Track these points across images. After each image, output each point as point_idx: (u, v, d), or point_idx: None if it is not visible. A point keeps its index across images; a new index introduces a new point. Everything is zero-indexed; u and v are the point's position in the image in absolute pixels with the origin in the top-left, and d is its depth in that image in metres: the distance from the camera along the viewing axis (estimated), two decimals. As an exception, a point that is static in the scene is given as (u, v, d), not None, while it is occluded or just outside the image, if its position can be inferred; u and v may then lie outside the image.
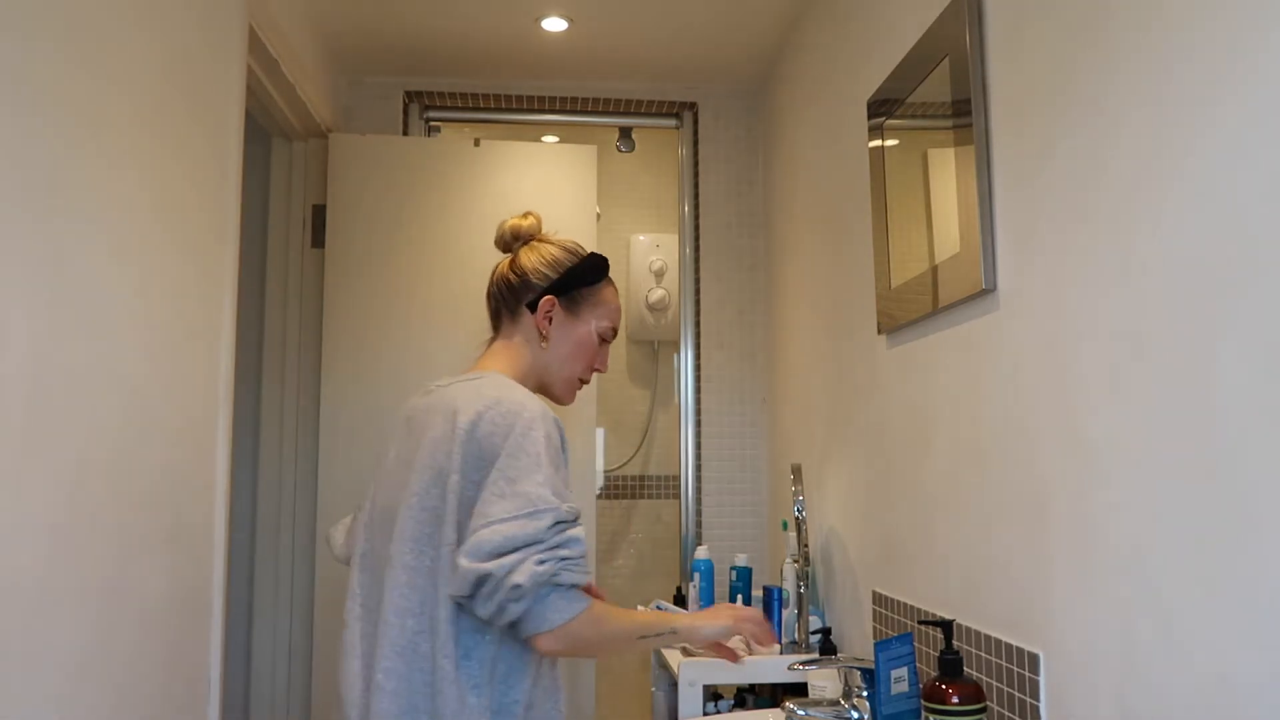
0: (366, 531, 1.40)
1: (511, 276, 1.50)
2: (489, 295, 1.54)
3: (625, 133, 3.73)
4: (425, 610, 1.27)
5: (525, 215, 1.54)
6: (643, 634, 1.32)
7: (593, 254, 1.52)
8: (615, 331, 1.51)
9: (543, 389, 1.49)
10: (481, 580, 1.19)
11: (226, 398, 1.85)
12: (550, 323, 1.46)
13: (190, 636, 1.70)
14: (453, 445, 1.28)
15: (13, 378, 1.16)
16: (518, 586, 1.18)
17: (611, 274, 1.55)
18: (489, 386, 1.33)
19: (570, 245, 1.52)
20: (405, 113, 3.09)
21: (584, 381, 1.50)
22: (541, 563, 1.20)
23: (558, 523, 1.23)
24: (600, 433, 3.88)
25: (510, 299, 1.50)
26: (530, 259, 1.49)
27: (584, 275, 1.48)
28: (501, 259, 1.55)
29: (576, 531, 1.25)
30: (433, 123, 3.17)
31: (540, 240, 1.53)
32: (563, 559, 1.22)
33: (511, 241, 1.54)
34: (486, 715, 1.24)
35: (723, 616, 1.41)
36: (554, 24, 2.71)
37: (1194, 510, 0.98)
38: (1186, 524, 0.99)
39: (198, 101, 1.75)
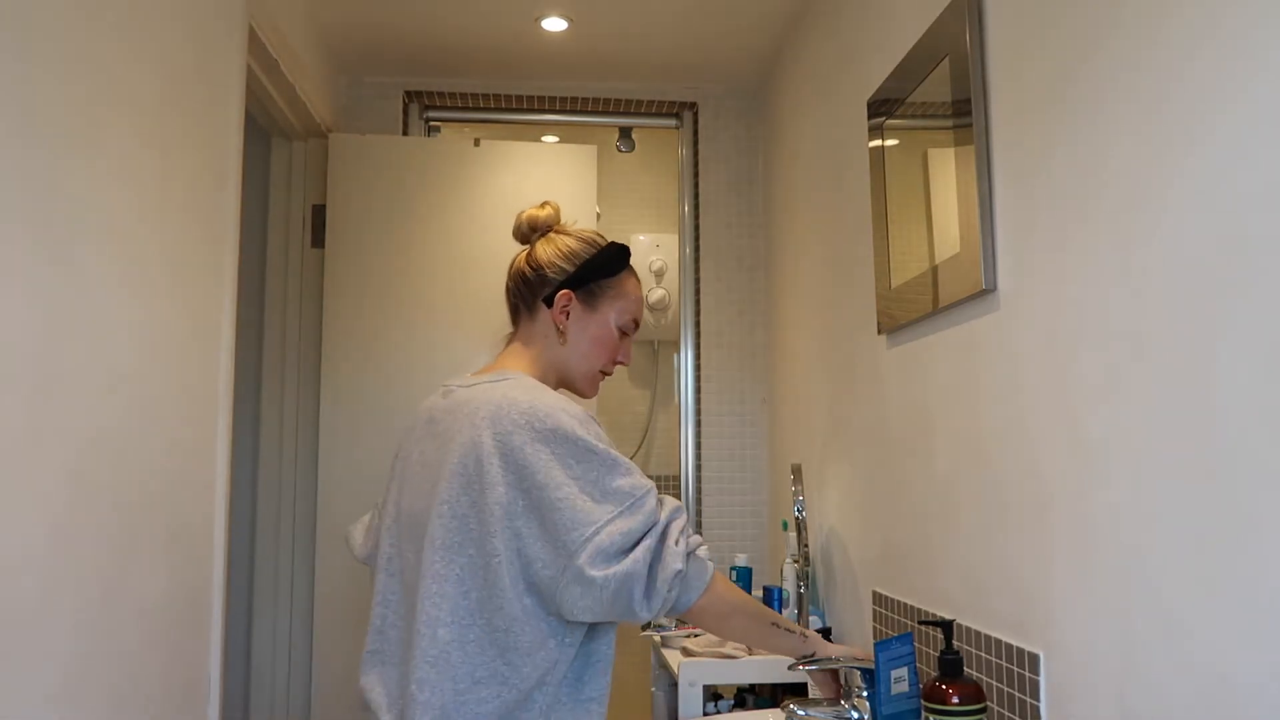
0: (390, 535, 1.36)
1: (527, 270, 1.44)
2: (507, 290, 1.48)
3: (625, 133, 3.73)
4: (456, 619, 1.23)
5: (543, 205, 1.48)
6: (771, 618, 1.35)
7: (612, 244, 1.47)
8: (637, 324, 1.48)
9: (564, 383, 1.46)
10: (627, 580, 1.19)
11: (226, 398, 1.85)
12: (568, 318, 1.41)
13: (190, 636, 1.70)
14: (483, 453, 1.24)
15: (13, 378, 1.16)
16: (679, 571, 1.22)
17: None
18: (518, 390, 1.28)
19: (588, 236, 1.46)
20: (405, 113, 3.09)
21: (606, 374, 1.47)
22: (677, 541, 1.23)
23: (660, 500, 1.26)
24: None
25: (527, 294, 1.44)
26: (546, 252, 1.43)
27: (602, 267, 1.43)
28: (519, 252, 1.48)
29: (674, 503, 1.27)
30: (433, 123, 3.17)
31: (558, 231, 1.47)
32: (682, 529, 1.25)
33: (529, 233, 1.48)
34: None
35: (857, 650, 1.46)
36: (554, 24, 2.71)
37: (1194, 510, 0.98)
38: (1186, 524, 0.99)
39: (198, 101, 1.75)
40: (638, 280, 1.49)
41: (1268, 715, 0.88)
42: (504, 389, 1.29)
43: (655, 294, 3.77)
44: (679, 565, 1.21)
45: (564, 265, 1.42)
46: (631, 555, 1.20)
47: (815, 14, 2.50)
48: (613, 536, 1.20)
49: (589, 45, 2.86)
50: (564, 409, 1.27)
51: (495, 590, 1.22)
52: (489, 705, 1.21)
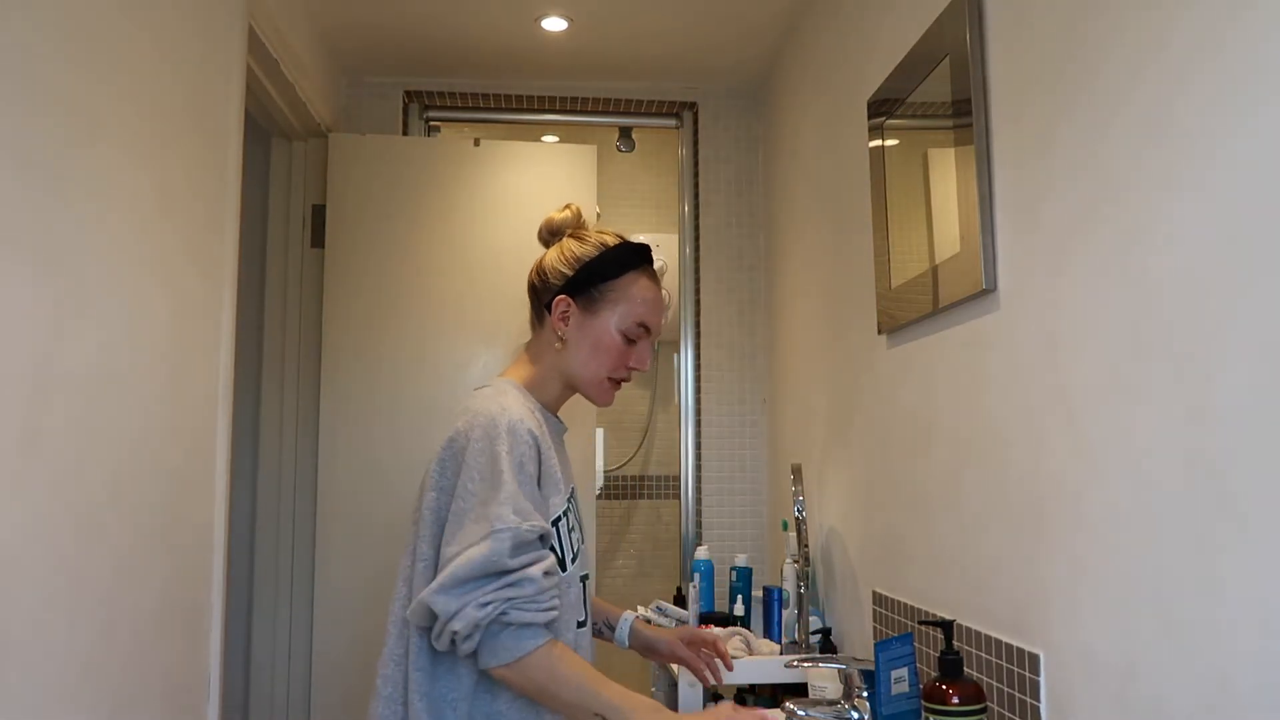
0: None
1: (535, 277, 1.43)
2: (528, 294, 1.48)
3: (625, 133, 3.73)
4: (395, 626, 1.29)
5: (564, 208, 1.46)
6: (611, 698, 1.18)
7: (621, 245, 1.40)
8: (647, 328, 1.39)
9: (574, 390, 1.43)
10: (433, 616, 1.19)
11: (226, 398, 1.85)
12: (567, 323, 1.38)
13: (190, 636, 1.70)
14: (434, 459, 1.28)
15: (13, 378, 1.16)
16: (455, 632, 1.16)
17: None
18: (484, 400, 1.30)
19: (597, 239, 1.42)
20: (405, 113, 3.08)
21: (617, 380, 1.40)
22: (484, 605, 1.15)
23: (517, 544, 1.18)
24: (600, 433, 3.88)
25: (535, 300, 1.43)
26: (552, 257, 1.41)
27: (602, 270, 1.37)
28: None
29: (533, 570, 1.18)
30: (433, 123, 3.17)
31: (573, 235, 1.44)
32: (509, 599, 1.16)
33: (549, 237, 1.47)
34: None
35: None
36: (554, 24, 2.71)
37: (1194, 510, 0.98)
38: (1186, 524, 0.99)
39: (197, 101, 1.75)
40: (650, 281, 1.41)
41: (1268, 716, 0.88)
42: (479, 398, 1.31)
43: (655, 294, 3.77)
44: (457, 627, 1.16)
45: (565, 270, 1.39)
46: (446, 600, 1.16)
47: (815, 14, 2.50)
48: (458, 567, 1.17)
49: (589, 45, 2.86)
50: (499, 418, 1.24)
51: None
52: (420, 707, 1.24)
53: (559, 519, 1.29)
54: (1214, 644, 0.95)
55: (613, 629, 1.57)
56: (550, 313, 1.39)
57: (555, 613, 1.20)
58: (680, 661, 1.55)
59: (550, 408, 1.42)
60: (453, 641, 1.18)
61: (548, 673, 1.17)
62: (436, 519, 1.25)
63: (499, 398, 1.29)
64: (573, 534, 1.32)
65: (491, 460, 1.21)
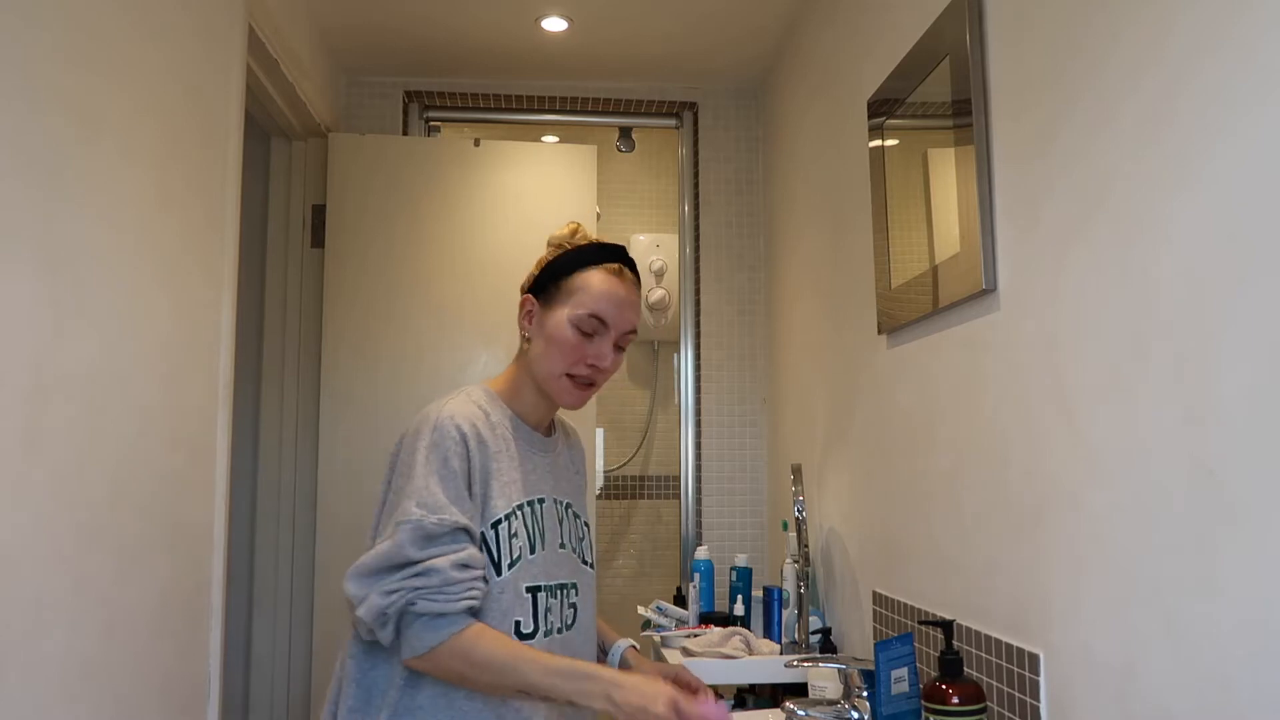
0: None
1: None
2: None
3: (625, 133, 3.73)
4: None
5: (566, 225, 1.44)
6: (535, 676, 1.17)
7: (586, 245, 1.40)
8: (601, 319, 1.34)
9: (548, 395, 1.40)
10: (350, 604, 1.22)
11: (226, 398, 1.85)
12: (530, 322, 1.39)
13: (190, 636, 1.70)
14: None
15: (13, 378, 1.16)
16: (361, 619, 1.19)
17: None
18: (438, 401, 1.33)
19: (569, 241, 1.41)
20: (405, 113, 3.09)
21: (577, 379, 1.35)
22: (389, 594, 1.17)
23: (423, 537, 1.19)
24: (600, 433, 3.88)
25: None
26: (534, 266, 1.44)
27: (561, 267, 1.37)
28: None
29: (439, 561, 1.18)
30: (433, 123, 3.17)
31: (561, 243, 1.43)
32: (416, 589, 1.17)
33: (547, 249, 1.46)
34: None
35: (654, 693, 1.17)
36: (554, 24, 2.71)
37: (1194, 510, 0.98)
38: (1186, 524, 0.99)
39: (197, 101, 1.75)
40: (608, 275, 1.36)
41: (1268, 715, 0.88)
42: (436, 401, 1.34)
43: (655, 294, 3.77)
44: (361, 614, 1.18)
45: (534, 271, 1.42)
46: (356, 588, 1.20)
47: (815, 14, 2.50)
48: (369, 558, 1.20)
49: (589, 45, 2.86)
50: (435, 419, 1.27)
51: None
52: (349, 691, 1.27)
53: (499, 522, 1.27)
54: (1214, 644, 0.95)
55: (605, 654, 1.50)
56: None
57: (471, 602, 1.19)
58: None
59: (529, 416, 1.39)
60: (369, 632, 1.21)
61: (464, 658, 1.17)
62: (379, 515, 1.30)
63: (451, 399, 1.32)
64: (514, 539, 1.27)
65: (410, 455, 1.25)
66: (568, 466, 1.46)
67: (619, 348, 1.37)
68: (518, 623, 1.26)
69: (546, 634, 1.29)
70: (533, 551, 1.30)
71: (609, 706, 1.16)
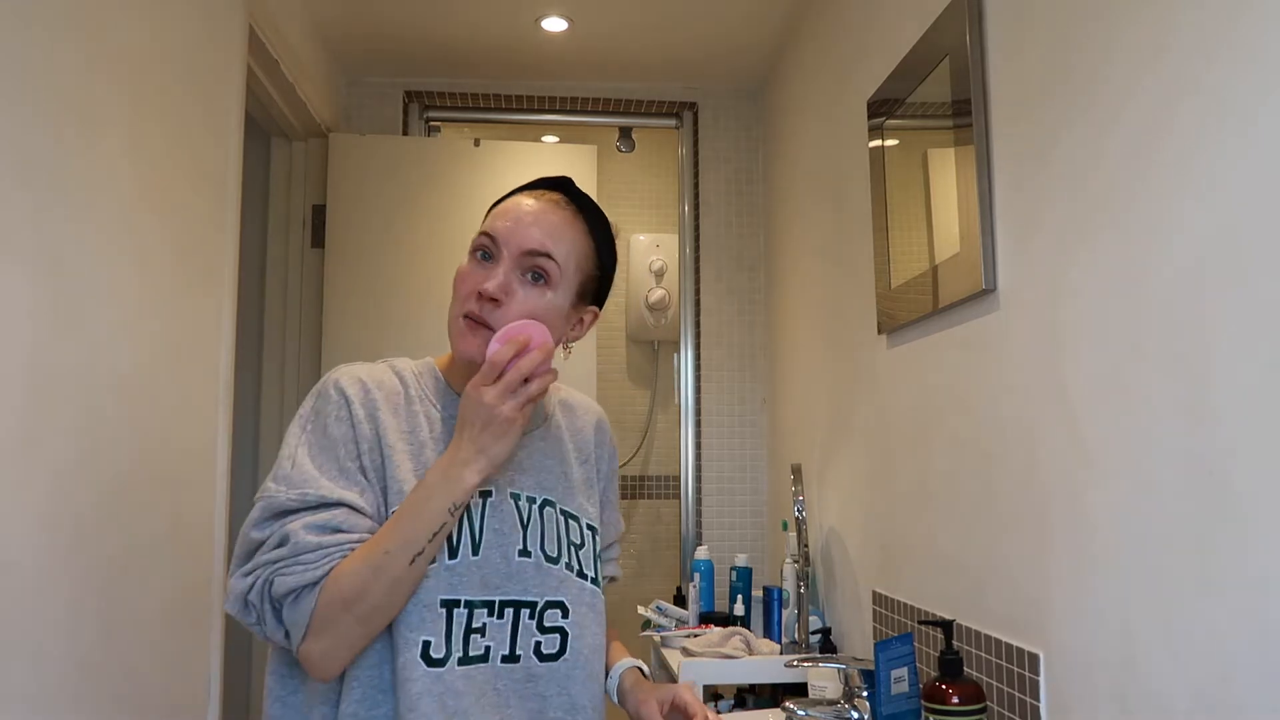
0: None
1: None
2: None
3: (625, 133, 3.73)
4: None
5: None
6: (394, 546, 0.97)
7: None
8: (490, 237, 1.09)
9: None
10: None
11: (226, 398, 1.85)
12: None
13: (190, 637, 1.70)
14: None
15: (13, 377, 1.16)
16: (229, 615, 1.01)
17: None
18: None
19: None
20: (405, 113, 3.09)
21: (470, 318, 1.06)
22: (245, 576, 0.98)
23: (276, 514, 0.98)
24: (600, 433, 3.87)
25: None
26: None
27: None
28: None
29: (293, 525, 0.97)
30: (433, 123, 3.17)
31: None
32: (271, 563, 0.97)
33: None
34: None
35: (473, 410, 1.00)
36: (554, 24, 2.71)
37: (1194, 510, 0.98)
38: (1186, 524, 0.99)
39: (198, 101, 1.75)
40: (523, 194, 1.14)
41: (1267, 715, 0.88)
42: None
43: (655, 294, 3.77)
44: (227, 607, 0.99)
45: None
46: (233, 567, 1.00)
47: (815, 14, 2.50)
48: (236, 544, 1.01)
49: (589, 45, 2.86)
50: (324, 381, 1.08)
51: None
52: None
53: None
54: (1213, 644, 0.95)
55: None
56: None
57: (329, 565, 0.96)
58: None
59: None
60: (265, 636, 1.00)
61: (340, 605, 0.96)
62: None
63: (360, 363, 1.14)
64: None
65: (291, 425, 1.08)
66: (559, 456, 1.17)
67: (538, 277, 1.07)
68: (426, 644, 1.00)
69: (467, 661, 1.01)
70: (453, 556, 1.03)
71: (473, 476, 0.99)
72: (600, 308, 1.19)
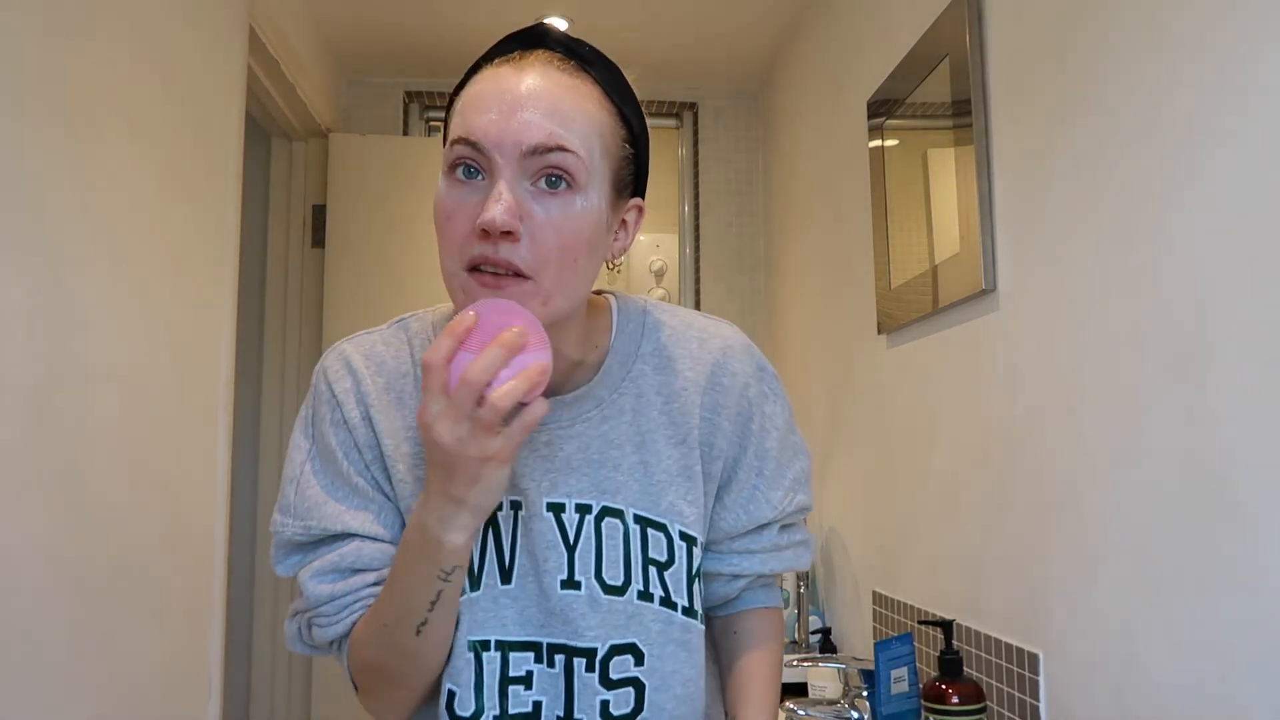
0: None
1: None
2: None
3: (625, 133, 3.73)
4: None
5: None
6: (397, 607, 0.77)
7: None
8: (470, 144, 0.72)
9: None
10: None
11: (227, 397, 1.85)
12: None
13: (190, 637, 1.70)
14: None
15: (14, 378, 1.16)
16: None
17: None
18: None
19: None
20: (405, 113, 3.09)
21: (484, 270, 0.73)
22: (292, 617, 0.85)
23: (291, 549, 0.84)
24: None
25: None
26: None
27: (449, 107, 0.82)
28: None
29: (303, 575, 0.81)
30: (433, 123, 3.17)
31: None
32: (302, 612, 0.83)
33: None
34: None
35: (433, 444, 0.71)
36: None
37: (1194, 510, 0.98)
38: (1186, 524, 0.99)
39: (198, 101, 1.75)
40: (500, 65, 0.76)
41: (1267, 715, 0.88)
42: None
43: (655, 294, 3.77)
44: (289, 634, 0.86)
45: None
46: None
47: (815, 14, 2.50)
48: None
49: (589, 45, 2.86)
50: (316, 370, 0.89)
51: None
52: None
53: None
54: (1213, 644, 0.95)
55: None
56: None
57: (350, 619, 0.81)
58: None
59: None
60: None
61: (366, 673, 0.81)
62: None
63: (365, 331, 0.93)
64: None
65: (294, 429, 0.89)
66: (633, 437, 0.84)
67: (556, 181, 0.73)
68: (451, 694, 0.80)
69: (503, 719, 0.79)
70: (475, 587, 0.80)
71: (457, 536, 0.73)
72: (643, 198, 0.84)
